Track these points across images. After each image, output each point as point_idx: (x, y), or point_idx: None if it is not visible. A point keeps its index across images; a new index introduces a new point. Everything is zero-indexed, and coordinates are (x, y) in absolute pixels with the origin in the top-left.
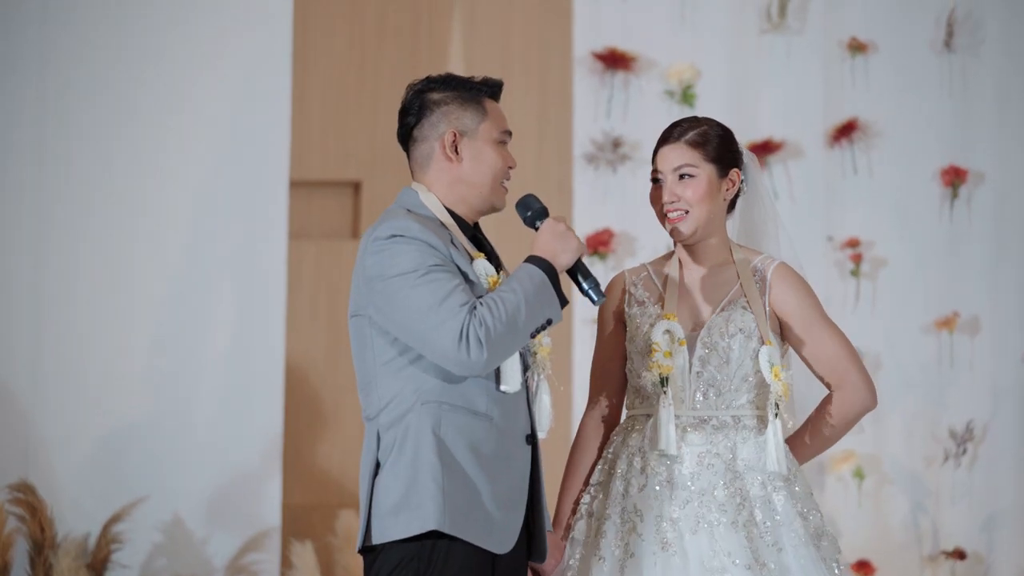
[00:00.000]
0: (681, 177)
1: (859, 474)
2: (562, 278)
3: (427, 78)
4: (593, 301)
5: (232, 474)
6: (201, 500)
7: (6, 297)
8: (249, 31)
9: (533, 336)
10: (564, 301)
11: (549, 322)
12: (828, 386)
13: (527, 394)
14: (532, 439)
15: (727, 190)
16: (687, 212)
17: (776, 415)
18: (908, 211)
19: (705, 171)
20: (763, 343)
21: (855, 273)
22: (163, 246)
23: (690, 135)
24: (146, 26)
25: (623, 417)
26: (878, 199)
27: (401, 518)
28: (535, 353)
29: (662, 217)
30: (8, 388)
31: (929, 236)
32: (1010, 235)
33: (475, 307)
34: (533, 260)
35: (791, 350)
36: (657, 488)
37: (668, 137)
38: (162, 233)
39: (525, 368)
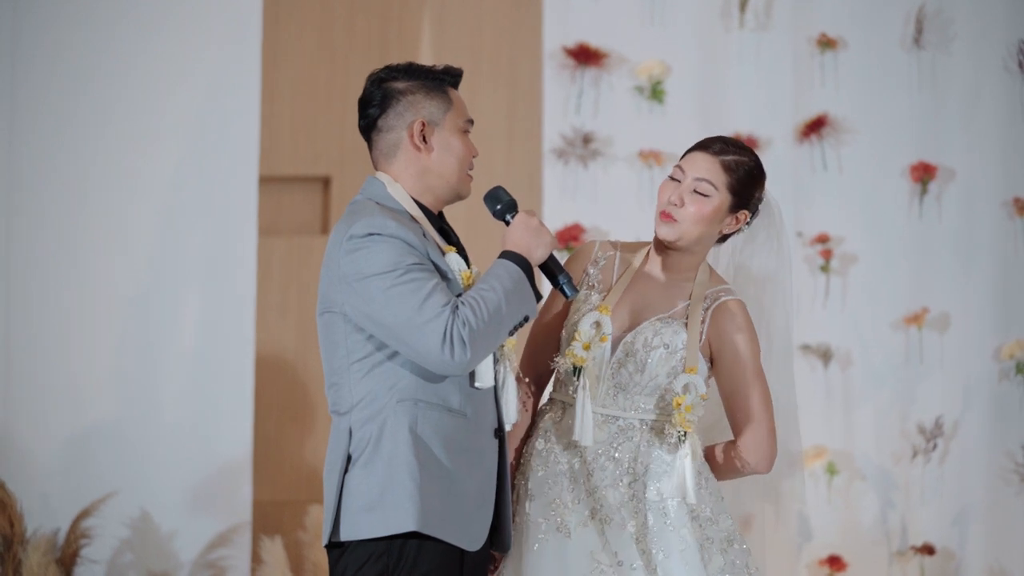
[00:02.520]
0: (696, 190)
1: (831, 470)
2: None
3: (388, 67)
4: (567, 296)
5: (203, 470)
6: (171, 496)
7: None
8: (219, 28)
9: (511, 333)
10: (538, 296)
11: (526, 319)
12: (734, 432)
13: (495, 388)
14: (499, 432)
15: (728, 225)
16: (678, 223)
17: (680, 440)
18: (878, 207)
19: (719, 198)
20: (685, 368)
21: (824, 269)
22: (133, 242)
23: (727, 156)
24: (117, 24)
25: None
26: (848, 195)
27: (376, 516)
28: (502, 346)
29: (660, 210)
30: None
31: (899, 232)
32: (979, 231)
33: (457, 307)
34: (508, 256)
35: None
36: (557, 476)
37: (707, 146)
38: (132, 229)
39: (494, 362)
